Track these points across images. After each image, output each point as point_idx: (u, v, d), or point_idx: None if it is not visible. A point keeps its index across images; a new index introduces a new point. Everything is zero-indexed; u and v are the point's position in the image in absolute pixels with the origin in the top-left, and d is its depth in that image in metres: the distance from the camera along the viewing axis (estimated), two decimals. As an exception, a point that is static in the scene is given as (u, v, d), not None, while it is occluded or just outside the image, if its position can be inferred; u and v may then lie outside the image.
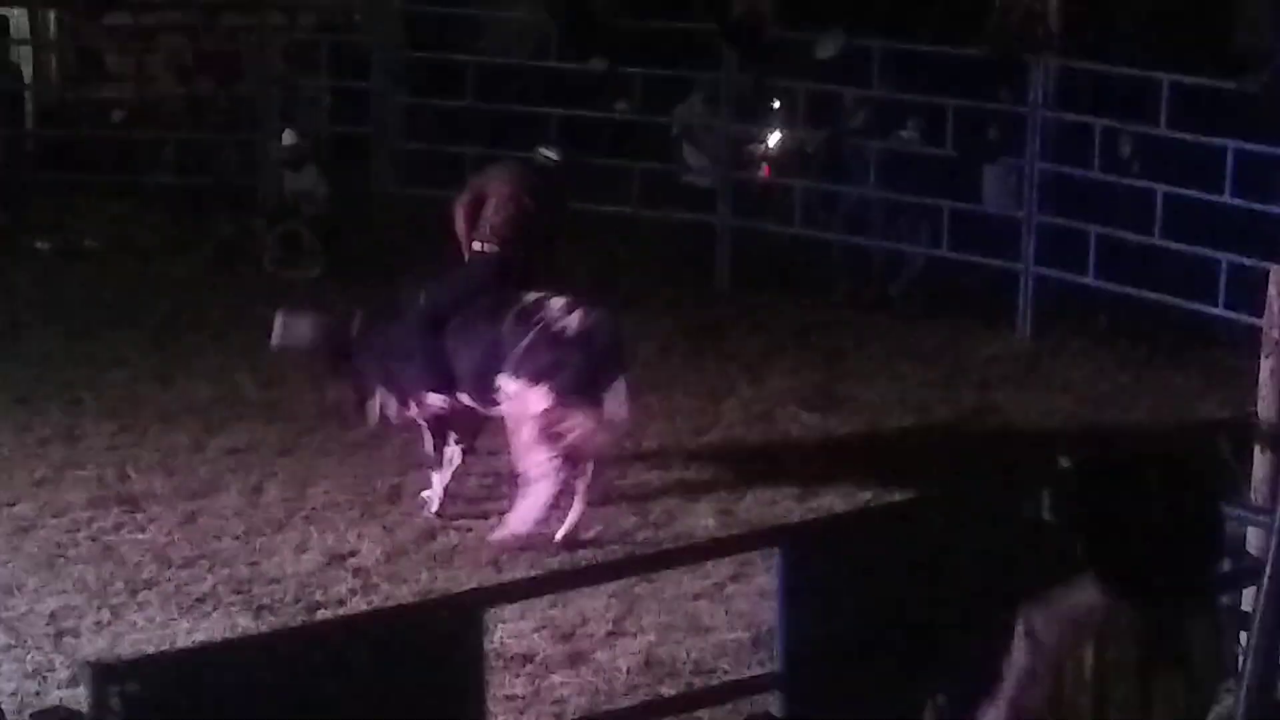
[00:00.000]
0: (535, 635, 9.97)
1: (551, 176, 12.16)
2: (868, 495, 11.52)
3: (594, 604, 10.29)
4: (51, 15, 18.98)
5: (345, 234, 16.63)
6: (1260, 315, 8.58)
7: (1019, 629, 5.87)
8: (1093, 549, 5.63)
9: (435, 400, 11.46)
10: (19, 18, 18.87)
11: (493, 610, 7.92)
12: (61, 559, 10.84)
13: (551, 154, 12.19)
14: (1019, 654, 5.88)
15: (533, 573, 10.62)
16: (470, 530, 11.28)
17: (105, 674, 5.96)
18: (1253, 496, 8.02)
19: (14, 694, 9.25)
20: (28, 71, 18.87)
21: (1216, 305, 13.69)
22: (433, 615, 7.28)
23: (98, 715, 5.86)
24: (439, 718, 6.47)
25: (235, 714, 6.06)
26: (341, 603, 10.39)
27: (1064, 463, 6.47)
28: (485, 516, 11.45)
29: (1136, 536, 5.52)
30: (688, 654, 9.50)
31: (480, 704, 6.71)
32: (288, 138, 16.70)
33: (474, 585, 10.49)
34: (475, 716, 6.66)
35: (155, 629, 10.03)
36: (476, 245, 11.66)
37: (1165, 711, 5.89)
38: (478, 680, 6.69)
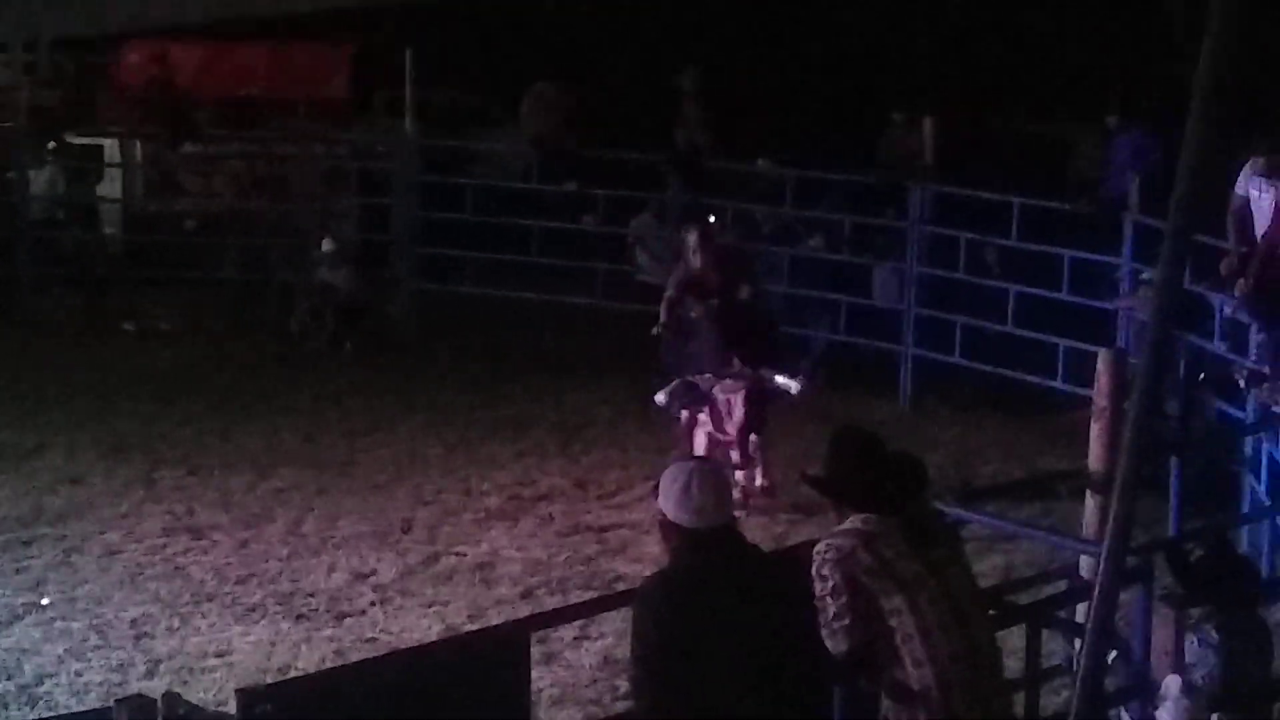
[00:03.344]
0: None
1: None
2: (781, 528, 11.56)
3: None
4: (137, 144, 19.02)
5: (370, 318, 16.67)
6: (1091, 387, 8.64)
7: (814, 571, 6.03)
8: (844, 495, 6.20)
9: None
10: (111, 146, 18.91)
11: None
12: (140, 576, 10.82)
13: None
14: (818, 588, 6.03)
15: (516, 590, 10.66)
16: (465, 555, 11.24)
17: (250, 696, 5.58)
18: (1084, 531, 8.05)
19: (101, 684, 9.22)
20: (117, 189, 18.90)
21: (1056, 379, 13.72)
22: (493, 639, 6.87)
23: None
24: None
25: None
26: (363, 612, 10.36)
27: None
28: (478, 544, 11.47)
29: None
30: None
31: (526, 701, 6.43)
32: (328, 244, 16.74)
33: (466, 600, 10.52)
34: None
35: (215, 633, 10.00)
36: None
37: (958, 575, 6.17)
38: (524, 686, 6.40)
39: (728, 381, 11.52)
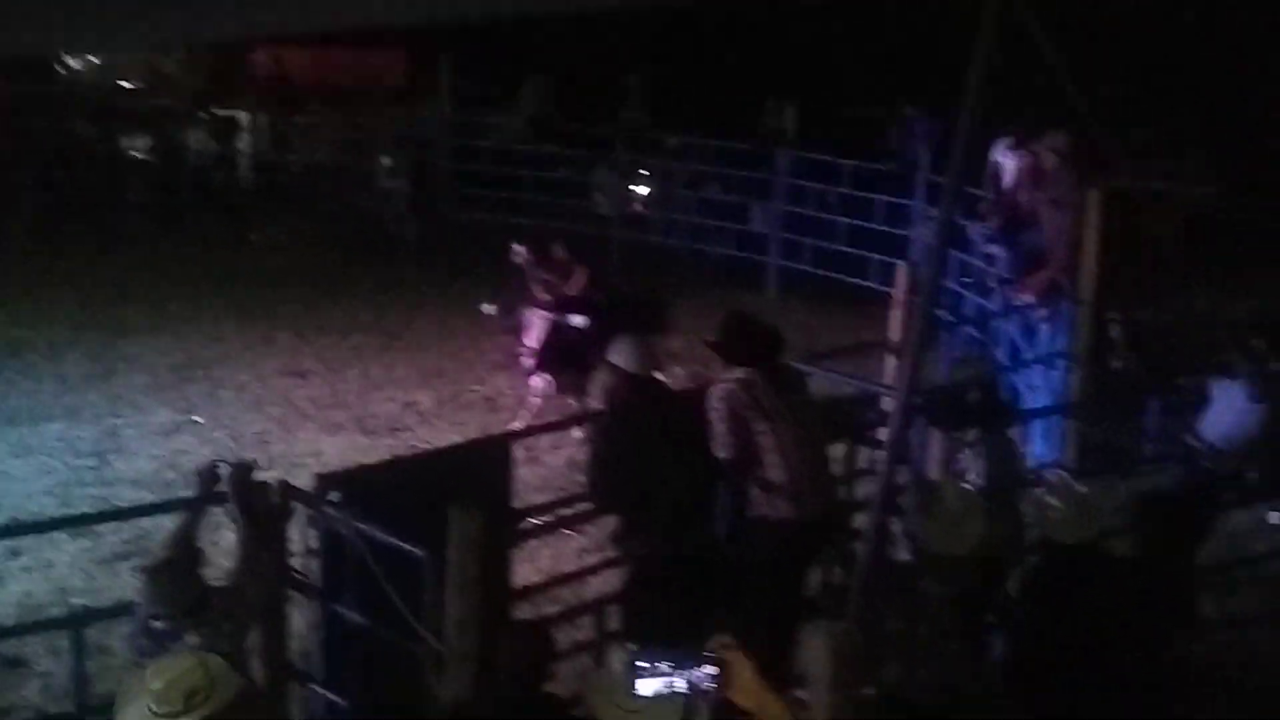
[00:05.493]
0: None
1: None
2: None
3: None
4: (263, 115, 18.77)
5: (425, 217, 16.14)
6: (894, 286, 8.65)
7: (709, 404, 6.04)
8: (730, 354, 6.17)
9: None
10: (244, 116, 18.65)
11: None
12: (262, 403, 10.82)
13: None
14: (711, 415, 6.06)
15: (511, 415, 10.62)
16: (477, 392, 11.23)
17: (324, 480, 5.65)
18: (886, 379, 8.08)
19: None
20: (247, 145, 18.62)
21: (869, 281, 13.68)
22: (489, 444, 6.91)
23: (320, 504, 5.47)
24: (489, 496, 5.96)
25: (393, 500, 5.53)
26: (411, 429, 10.35)
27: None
28: (485, 384, 11.43)
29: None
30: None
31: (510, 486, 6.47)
32: (385, 160, 16.50)
33: (478, 423, 10.48)
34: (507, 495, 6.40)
35: (311, 442, 10.02)
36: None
37: (804, 408, 6.24)
38: (510, 477, 6.47)
39: (538, 310, 10.30)
